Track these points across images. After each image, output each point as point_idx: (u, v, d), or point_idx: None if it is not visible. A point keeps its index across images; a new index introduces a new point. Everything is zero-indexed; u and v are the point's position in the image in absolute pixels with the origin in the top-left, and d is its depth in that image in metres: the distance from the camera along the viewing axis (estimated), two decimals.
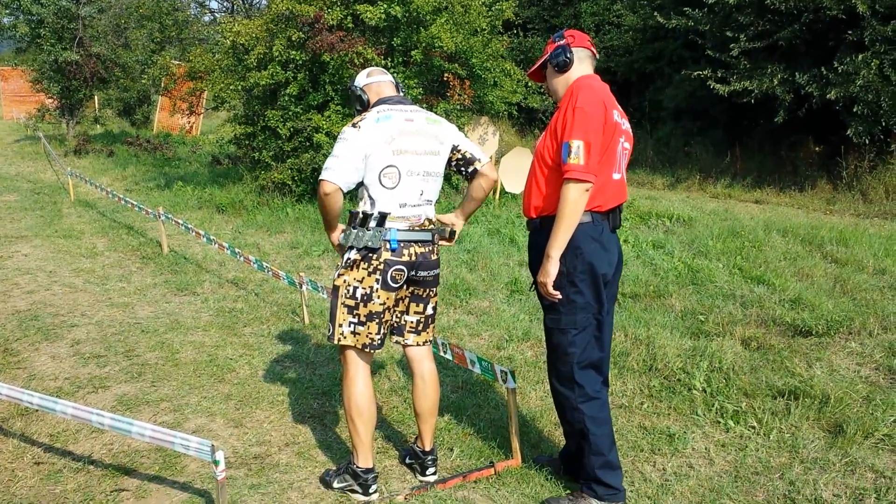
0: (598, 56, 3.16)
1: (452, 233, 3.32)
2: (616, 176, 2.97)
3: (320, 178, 3.00)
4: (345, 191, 3.01)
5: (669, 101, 14.85)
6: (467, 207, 3.38)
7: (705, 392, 4.14)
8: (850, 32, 10.32)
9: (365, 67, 9.48)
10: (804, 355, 4.62)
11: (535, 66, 3.22)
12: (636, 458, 3.53)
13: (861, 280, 6.07)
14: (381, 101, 3.18)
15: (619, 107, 3.00)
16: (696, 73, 12.29)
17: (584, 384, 3.01)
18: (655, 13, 13.43)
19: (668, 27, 13.04)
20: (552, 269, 2.86)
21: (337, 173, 2.97)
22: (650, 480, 3.32)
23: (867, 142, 10.49)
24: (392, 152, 3.03)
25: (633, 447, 3.62)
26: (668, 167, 13.90)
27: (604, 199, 2.92)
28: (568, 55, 3.03)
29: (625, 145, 3.01)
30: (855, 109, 10.25)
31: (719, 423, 3.83)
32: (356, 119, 3.08)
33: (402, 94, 3.29)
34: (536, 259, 3.01)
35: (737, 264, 6.68)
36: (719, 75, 11.93)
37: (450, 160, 3.25)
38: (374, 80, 3.26)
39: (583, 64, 3.07)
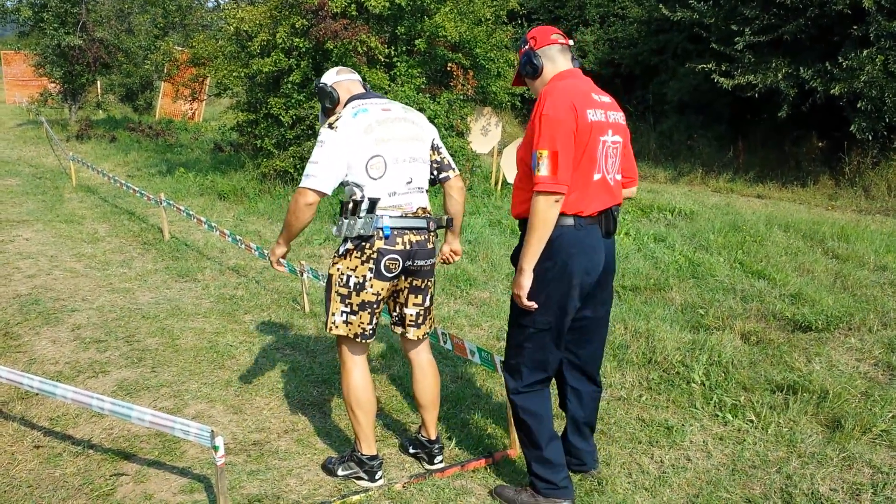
0: (571, 43, 3.00)
1: (450, 221, 3.30)
2: (597, 176, 2.83)
3: (301, 185, 2.96)
4: (329, 195, 2.99)
5: (673, 94, 14.80)
6: (455, 224, 3.35)
7: (704, 385, 4.15)
8: (855, 28, 10.28)
9: (369, 55, 9.57)
10: (803, 350, 4.63)
11: (515, 77, 3.13)
12: (634, 449, 3.54)
13: (862, 276, 6.07)
14: (353, 98, 3.15)
15: (598, 100, 2.86)
16: (700, 67, 12.25)
17: (526, 378, 3.00)
18: (661, 5, 13.37)
19: (674, 20, 12.99)
20: (525, 282, 2.77)
21: (319, 180, 2.92)
22: (648, 472, 3.33)
23: (870, 138, 10.46)
24: (374, 142, 2.99)
25: (631, 439, 3.63)
26: (671, 160, 13.87)
27: (585, 203, 2.81)
28: (535, 61, 2.91)
29: (613, 139, 2.88)
30: (859, 105, 10.22)
31: (717, 416, 3.84)
32: (332, 119, 3.03)
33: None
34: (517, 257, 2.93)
35: (738, 258, 6.68)
36: (723, 69, 11.90)
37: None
38: (344, 78, 3.24)
39: (555, 61, 2.92)
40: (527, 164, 2.83)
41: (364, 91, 3.22)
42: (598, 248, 2.90)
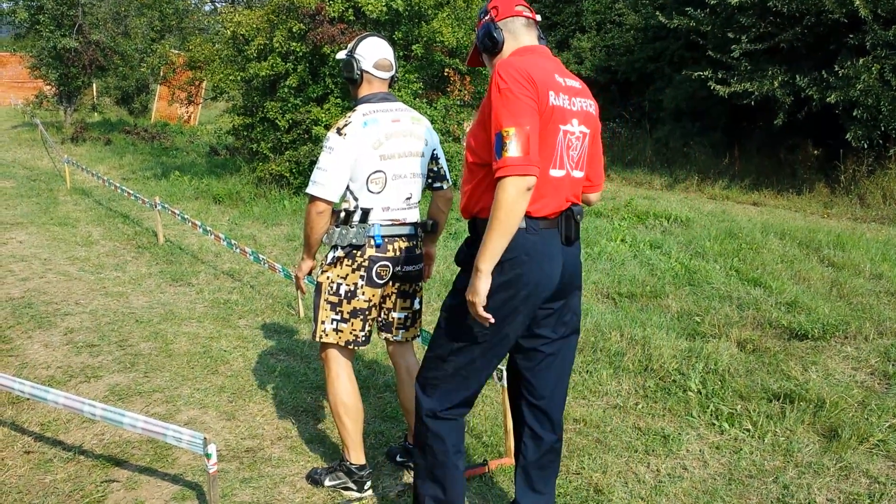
0: (538, 19, 2.62)
1: (434, 225, 3.28)
2: (558, 173, 2.43)
3: (310, 193, 2.96)
4: (336, 202, 2.99)
5: (669, 101, 14.81)
6: (436, 230, 3.34)
7: (700, 394, 4.13)
8: (851, 36, 10.30)
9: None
10: (800, 359, 4.61)
11: (471, 53, 2.70)
12: (630, 458, 3.52)
13: (857, 284, 6.07)
14: (365, 100, 3.08)
15: (564, 83, 2.46)
16: (696, 74, 12.26)
17: (443, 398, 2.59)
18: (657, 12, 13.40)
19: (670, 27, 13.00)
20: (482, 286, 2.29)
21: (327, 189, 2.93)
22: (644, 481, 3.31)
23: (866, 146, 10.48)
24: (379, 157, 3.00)
25: (627, 448, 3.61)
26: (667, 167, 13.88)
27: (539, 202, 2.39)
28: (494, 34, 2.51)
29: (579, 129, 2.48)
30: (854, 113, 10.24)
31: (714, 425, 3.83)
32: (341, 123, 3.00)
33: (396, 75, 3.20)
34: (466, 264, 2.52)
35: (734, 266, 6.67)
36: (720, 76, 11.91)
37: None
38: (377, 76, 3.10)
39: (518, 36, 2.54)
40: (481, 151, 2.43)
41: (385, 92, 3.13)
42: (556, 256, 2.46)
